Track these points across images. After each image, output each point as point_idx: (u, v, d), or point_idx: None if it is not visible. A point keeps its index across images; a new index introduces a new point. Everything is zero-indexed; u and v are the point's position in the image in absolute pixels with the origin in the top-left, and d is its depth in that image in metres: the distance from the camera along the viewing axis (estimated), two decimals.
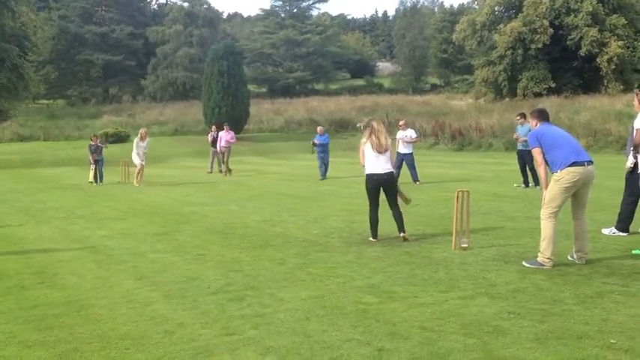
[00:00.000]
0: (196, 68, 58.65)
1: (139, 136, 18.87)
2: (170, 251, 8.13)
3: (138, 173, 18.20)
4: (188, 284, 6.31)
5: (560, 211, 6.64)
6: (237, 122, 25.37)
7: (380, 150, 8.24)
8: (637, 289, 5.58)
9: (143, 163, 18.39)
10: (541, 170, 6.80)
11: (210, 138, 22.75)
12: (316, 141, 19.04)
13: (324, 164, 18.64)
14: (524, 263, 6.70)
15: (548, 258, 6.52)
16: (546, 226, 6.56)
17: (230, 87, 37.84)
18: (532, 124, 7.02)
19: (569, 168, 6.43)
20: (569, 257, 6.83)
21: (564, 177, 6.45)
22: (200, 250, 8.08)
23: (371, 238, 8.41)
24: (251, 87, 58.89)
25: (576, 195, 6.63)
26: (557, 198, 6.54)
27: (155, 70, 63.24)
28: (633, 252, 7.02)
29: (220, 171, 21.48)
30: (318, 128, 19.75)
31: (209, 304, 5.55)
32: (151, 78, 63.08)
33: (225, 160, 21.43)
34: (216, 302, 5.60)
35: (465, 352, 4.23)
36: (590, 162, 6.59)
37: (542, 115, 6.94)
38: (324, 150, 18.71)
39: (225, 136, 21.90)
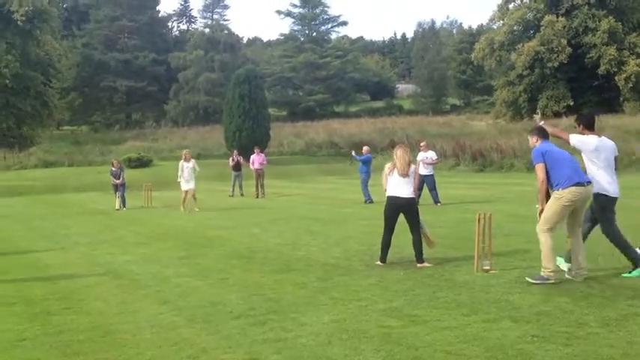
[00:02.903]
0: (218, 92, 59.25)
1: (183, 157, 18.24)
2: (193, 275, 8.19)
3: (184, 200, 17.54)
4: (211, 309, 6.35)
5: (555, 228, 6.78)
6: (258, 145, 25.49)
7: (401, 173, 8.25)
8: None
9: (191, 187, 17.57)
10: (542, 187, 6.83)
11: (231, 162, 22.92)
12: (354, 152, 19.09)
13: (364, 184, 17.90)
14: (527, 279, 6.85)
15: (551, 271, 6.70)
16: (545, 242, 6.75)
17: (251, 111, 38.19)
18: (532, 140, 7.13)
19: (572, 188, 6.61)
20: (567, 276, 6.89)
21: (565, 196, 6.62)
22: (223, 274, 8.13)
23: (378, 262, 8.34)
24: (272, 110, 59.31)
25: (573, 212, 6.79)
26: (556, 216, 6.72)
27: (177, 95, 64.02)
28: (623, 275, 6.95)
29: (257, 195, 21.40)
30: (364, 148, 19.02)
31: (232, 329, 5.58)
32: (173, 103, 63.84)
33: (261, 182, 21.61)
34: (239, 327, 5.64)
35: None
36: (590, 182, 6.78)
37: (543, 133, 7.09)
38: (363, 170, 18.10)
39: (257, 158, 22.17)
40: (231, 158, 23.34)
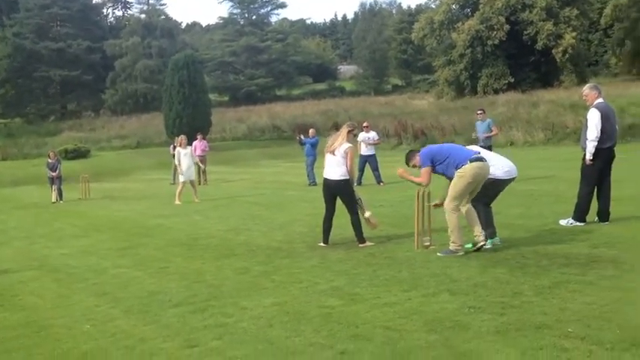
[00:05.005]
0: (156, 79, 58.10)
1: (179, 143, 16.54)
2: (132, 266, 8.03)
3: (180, 192, 15.60)
4: (150, 298, 6.24)
5: (461, 203, 7.06)
6: (199, 132, 25.16)
7: (327, 148, 8.25)
8: (593, 278, 5.69)
9: (192, 176, 16.12)
10: (417, 180, 7.38)
11: (172, 150, 22.54)
12: (302, 136, 18.96)
13: (311, 167, 17.87)
14: (438, 254, 7.12)
15: (459, 245, 7.10)
16: (452, 218, 7.06)
17: (191, 97, 37.65)
18: (413, 162, 7.51)
19: (473, 164, 6.96)
20: (481, 242, 7.06)
21: (468, 172, 6.95)
22: (163, 264, 7.99)
23: (321, 243, 8.35)
24: (213, 96, 58.65)
25: (474, 190, 7.13)
26: (463, 193, 7.06)
27: (114, 84, 62.53)
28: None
29: (199, 182, 21.06)
30: (310, 131, 19.11)
31: (171, 318, 5.49)
32: (110, 92, 62.36)
33: (203, 169, 21.29)
34: (178, 315, 5.55)
35: (427, 349, 4.27)
36: (485, 159, 7.15)
37: (415, 151, 7.71)
38: (310, 152, 18.14)
39: (199, 145, 21.87)
40: (172, 146, 22.93)
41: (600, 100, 8.45)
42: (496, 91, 45.15)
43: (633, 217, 8.60)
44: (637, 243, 7.05)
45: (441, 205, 7.52)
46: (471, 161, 6.97)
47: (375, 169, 16.60)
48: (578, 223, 8.31)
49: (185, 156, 16.11)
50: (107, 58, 64.28)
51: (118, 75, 62.62)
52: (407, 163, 7.66)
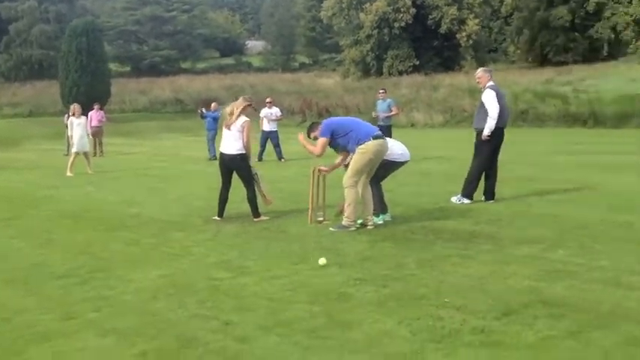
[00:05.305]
0: (53, 46, 55.25)
1: (72, 112, 15.83)
2: (17, 236, 7.69)
3: (72, 163, 14.89)
4: (33, 270, 6.00)
5: (360, 180, 7.20)
6: (97, 102, 24.21)
7: (225, 124, 8.17)
8: (474, 253, 5.96)
9: (85, 147, 15.55)
10: (315, 153, 7.39)
11: (66, 119, 21.64)
12: (204, 109, 18.60)
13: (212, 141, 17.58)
14: (331, 229, 7.23)
15: (353, 221, 7.19)
16: (351, 194, 7.17)
17: (89, 65, 36.20)
18: (315, 133, 7.45)
19: (374, 141, 7.08)
20: (369, 224, 7.27)
21: (370, 149, 7.06)
22: (49, 235, 7.69)
23: (215, 217, 8.28)
24: (114, 65, 56.63)
25: (372, 167, 7.30)
26: (363, 170, 7.19)
27: (8, 49, 59.01)
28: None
29: (95, 154, 20.27)
30: (213, 105, 18.89)
31: (53, 289, 5.32)
32: (3, 57, 58.86)
33: (100, 140, 20.56)
34: (60, 287, 5.38)
35: (310, 319, 4.34)
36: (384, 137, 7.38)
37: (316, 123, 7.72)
38: (212, 126, 17.93)
39: (95, 115, 21.09)
40: (66, 115, 22.00)
41: (492, 82, 8.82)
42: (401, 73, 46.02)
43: (515, 197, 9.07)
44: (516, 221, 7.44)
45: (327, 171, 7.78)
46: (374, 138, 7.08)
47: (277, 146, 16.61)
48: (466, 200, 8.67)
49: (78, 126, 15.51)
50: (1, 21, 60.60)
51: (12, 40, 59.16)
52: (308, 134, 7.63)
